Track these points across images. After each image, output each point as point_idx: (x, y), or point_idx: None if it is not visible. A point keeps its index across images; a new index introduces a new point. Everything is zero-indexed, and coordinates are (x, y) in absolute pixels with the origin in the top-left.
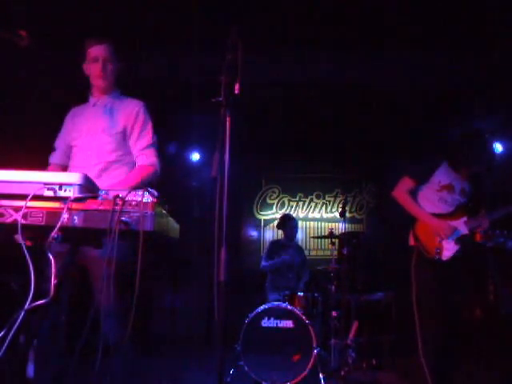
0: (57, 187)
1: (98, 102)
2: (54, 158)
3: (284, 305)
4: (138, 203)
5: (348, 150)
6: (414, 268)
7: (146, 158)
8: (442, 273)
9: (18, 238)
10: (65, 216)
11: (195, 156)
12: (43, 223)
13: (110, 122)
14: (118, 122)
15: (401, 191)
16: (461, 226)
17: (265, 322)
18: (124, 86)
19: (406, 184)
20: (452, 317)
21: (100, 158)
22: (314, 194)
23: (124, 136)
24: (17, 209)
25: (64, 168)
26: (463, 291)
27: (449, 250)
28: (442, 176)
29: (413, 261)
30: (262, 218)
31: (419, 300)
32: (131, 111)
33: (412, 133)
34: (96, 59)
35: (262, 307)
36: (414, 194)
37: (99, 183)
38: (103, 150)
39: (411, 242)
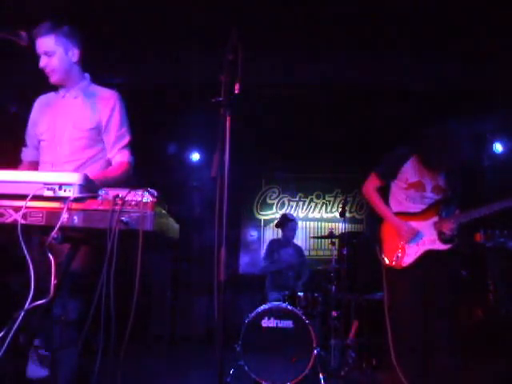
0: (56, 187)
1: (68, 94)
2: (26, 154)
3: (284, 305)
4: (138, 203)
5: (348, 150)
6: (385, 273)
7: (126, 154)
8: (414, 279)
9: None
10: (65, 216)
11: (195, 156)
12: (43, 223)
13: (81, 117)
14: (91, 116)
15: (368, 188)
16: (427, 228)
17: (265, 322)
18: (125, 86)
19: (372, 181)
20: (430, 326)
21: (72, 156)
22: (314, 194)
23: (98, 132)
24: (17, 209)
25: (38, 165)
26: (442, 297)
27: (410, 255)
28: (409, 173)
29: (384, 282)
30: (262, 218)
31: (391, 309)
32: (105, 104)
33: (412, 133)
34: (39, 55)
35: (262, 307)
36: (386, 190)
37: None
38: (75, 148)
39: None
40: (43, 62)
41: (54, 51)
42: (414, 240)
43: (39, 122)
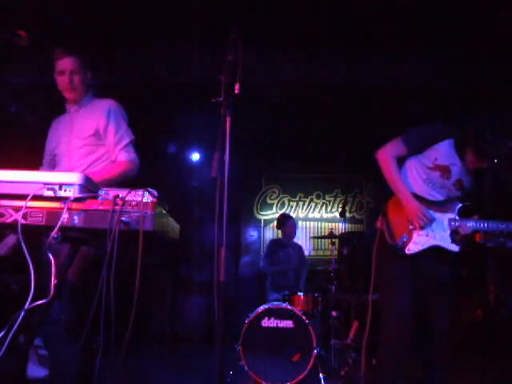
0: (57, 187)
1: (72, 109)
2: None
3: (284, 305)
4: (138, 203)
5: (348, 150)
6: (376, 256)
7: (126, 154)
8: (414, 269)
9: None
10: (65, 216)
11: (195, 156)
12: (43, 223)
13: (82, 127)
14: (89, 124)
15: (387, 154)
16: (441, 222)
17: (265, 322)
18: (125, 86)
19: (395, 148)
20: (427, 322)
21: (78, 162)
22: (314, 194)
23: (98, 138)
24: (17, 209)
25: None
26: (443, 298)
27: (417, 243)
28: (441, 153)
29: (375, 246)
30: (262, 218)
31: (383, 297)
32: (102, 112)
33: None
34: (63, 72)
35: (262, 307)
36: (400, 160)
37: None
38: (79, 155)
39: (378, 223)
40: (67, 78)
41: (78, 70)
42: (427, 229)
43: (51, 139)
